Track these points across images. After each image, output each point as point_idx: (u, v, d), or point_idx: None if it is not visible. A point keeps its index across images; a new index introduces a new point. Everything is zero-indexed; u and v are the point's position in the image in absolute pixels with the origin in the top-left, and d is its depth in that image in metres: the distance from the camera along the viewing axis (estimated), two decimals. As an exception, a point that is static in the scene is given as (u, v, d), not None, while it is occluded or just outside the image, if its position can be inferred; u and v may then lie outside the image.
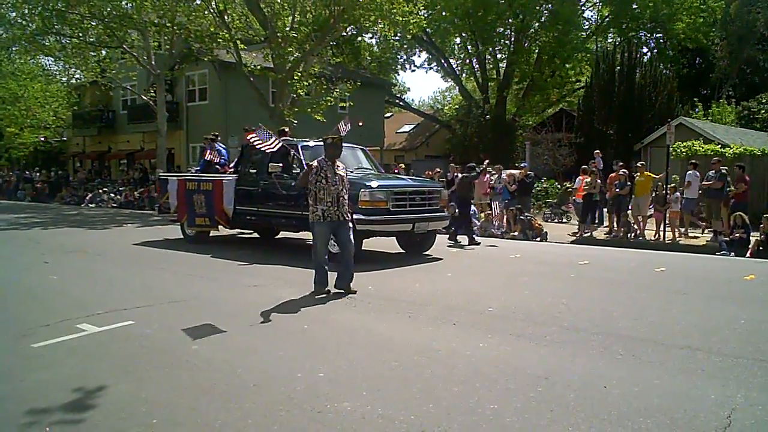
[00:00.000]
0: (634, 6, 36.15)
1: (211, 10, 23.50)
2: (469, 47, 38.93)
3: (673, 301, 7.82)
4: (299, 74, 22.88)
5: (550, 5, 35.18)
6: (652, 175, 16.76)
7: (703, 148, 20.13)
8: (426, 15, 31.10)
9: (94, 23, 25.04)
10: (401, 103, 47.99)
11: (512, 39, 37.57)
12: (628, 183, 16.59)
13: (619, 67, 30.09)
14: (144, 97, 27.73)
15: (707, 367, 5.18)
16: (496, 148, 32.82)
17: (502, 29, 37.39)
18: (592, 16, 40.60)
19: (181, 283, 8.94)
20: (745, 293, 8.58)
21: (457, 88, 44.59)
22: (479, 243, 13.76)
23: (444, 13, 34.84)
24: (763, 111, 32.63)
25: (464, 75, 42.56)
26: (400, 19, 22.81)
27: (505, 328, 6.30)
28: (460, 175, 15.69)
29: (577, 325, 6.49)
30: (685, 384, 4.43)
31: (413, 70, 65.48)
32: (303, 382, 4.72)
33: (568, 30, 35.07)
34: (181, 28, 24.43)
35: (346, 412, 4.16)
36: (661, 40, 40.20)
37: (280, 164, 10.92)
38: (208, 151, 14.02)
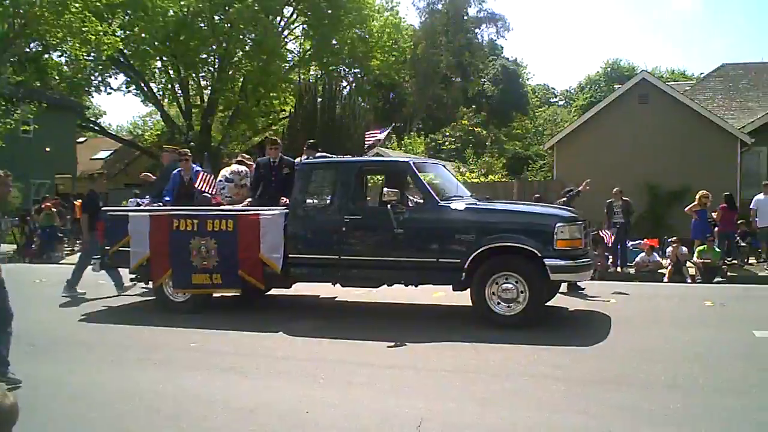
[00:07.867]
0: (334, 42, 38.00)
1: None
2: (170, 72, 37.62)
3: (405, 325, 8.09)
4: (-29, 92, 20.11)
5: (253, 35, 35.45)
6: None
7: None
8: (122, 35, 29.42)
9: None
10: (96, 127, 44.70)
11: (216, 66, 37.14)
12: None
13: (320, 99, 31.28)
14: None
15: (406, 383, 5.43)
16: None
17: (205, 56, 36.82)
18: (295, 48, 41.80)
19: None
20: (449, 313, 9.00)
21: (159, 113, 42.74)
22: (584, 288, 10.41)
23: (143, 35, 33.15)
24: (447, 143, 36.50)
25: (166, 100, 40.96)
26: (93, 37, 21.33)
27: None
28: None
29: (292, 354, 6.35)
30: (384, 401, 4.59)
31: (109, 93, 61.44)
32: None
33: (272, 60, 35.61)
34: None
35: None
36: (359, 75, 42.90)
37: (396, 191, 7.84)
38: (202, 174, 9.61)
